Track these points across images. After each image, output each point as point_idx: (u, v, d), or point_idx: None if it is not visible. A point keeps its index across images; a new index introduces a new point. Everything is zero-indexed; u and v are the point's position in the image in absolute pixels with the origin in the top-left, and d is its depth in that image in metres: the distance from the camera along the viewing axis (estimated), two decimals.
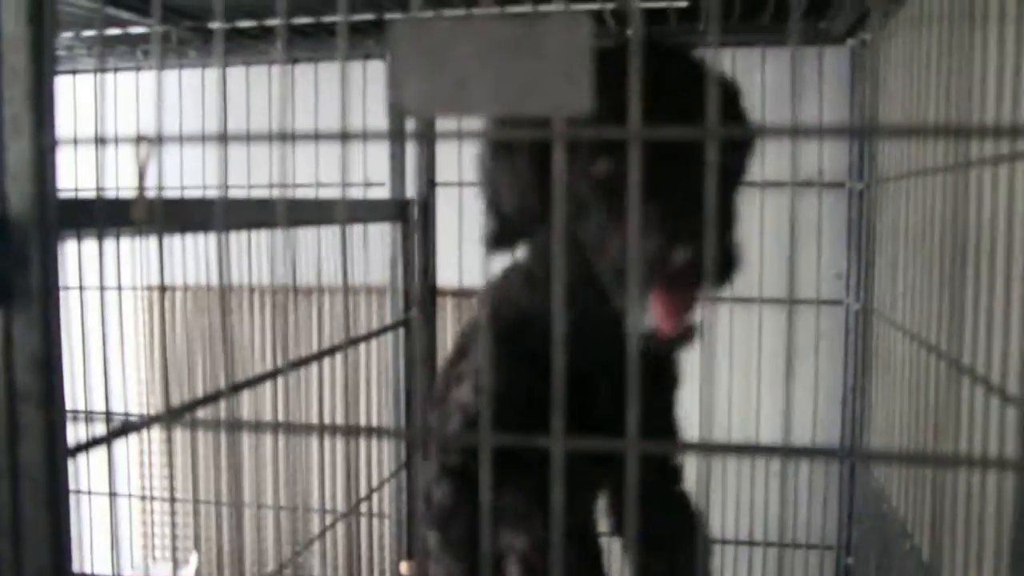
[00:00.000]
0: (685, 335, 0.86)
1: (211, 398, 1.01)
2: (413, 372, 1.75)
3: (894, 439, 1.49)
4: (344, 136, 0.60)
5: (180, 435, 2.28)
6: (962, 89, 1.03)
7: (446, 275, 1.93)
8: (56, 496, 0.68)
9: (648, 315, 0.85)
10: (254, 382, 1.15)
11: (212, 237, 1.34)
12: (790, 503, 2.00)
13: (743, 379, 1.93)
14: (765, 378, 1.94)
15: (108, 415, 0.70)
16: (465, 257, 1.94)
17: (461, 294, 2.09)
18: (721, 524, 2.02)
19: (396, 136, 1.70)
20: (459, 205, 1.91)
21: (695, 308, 0.85)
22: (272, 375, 1.18)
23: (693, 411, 1.94)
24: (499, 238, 1.03)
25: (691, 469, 1.22)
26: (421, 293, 1.79)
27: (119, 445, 0.80)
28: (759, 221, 1.88)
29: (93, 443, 0.77)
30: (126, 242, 1.39)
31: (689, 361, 1.82)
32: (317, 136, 0.62)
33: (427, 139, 1.73)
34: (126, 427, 0.79)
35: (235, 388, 1.06)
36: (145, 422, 0.79)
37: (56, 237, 0.68)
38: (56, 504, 0.69)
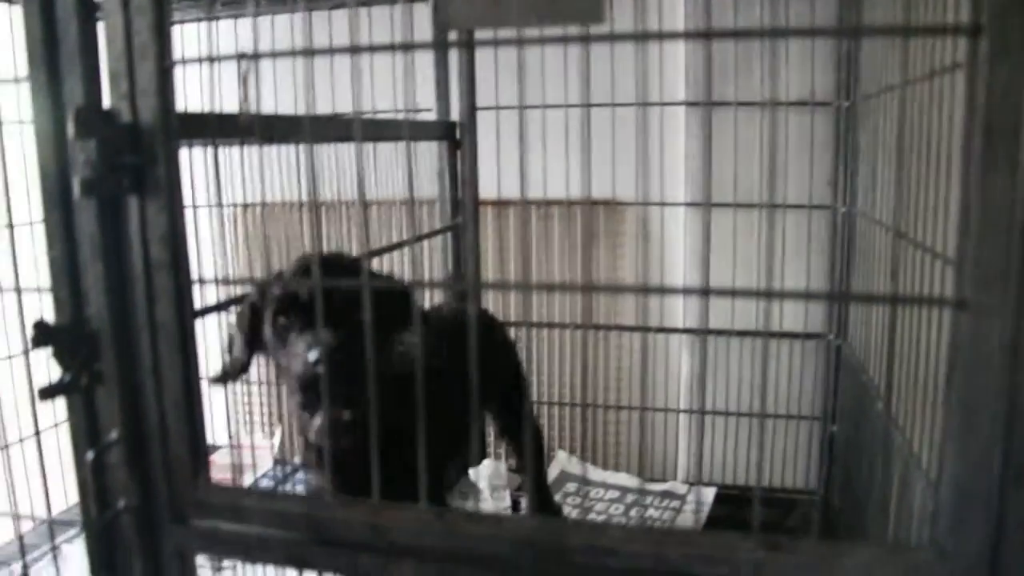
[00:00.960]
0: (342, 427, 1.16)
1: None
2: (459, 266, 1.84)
3: (871, 316, 1.55)
4: (406, 47, 0.67)
5: None
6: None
7: (486, 187, 2.00)
8: (185, 345, 0.77)
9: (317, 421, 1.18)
10: None
11: (289, 164, 1.41)
12: (784, 380, 2.07)
13: (744, 272, 1.99)
14: (764, 272, 1.99)
15: (223, 280, 0.77)
16: (503, 171, 2.00)
17: (499, 203, 2.16)
18: (725, 399, 2.10)
19: (441, 46, 1.74)
20: (496, 127, 1.97)
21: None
22: None
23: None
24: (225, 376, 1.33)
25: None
26: (465, 202, 1.86)
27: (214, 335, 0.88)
28: (758, 138, 1.93)
29: (212, 308, 0.85)
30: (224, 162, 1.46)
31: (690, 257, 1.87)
32: (369, 48, 0.69)
33: (466, 47, 1.76)
34: (263, 286, 0.87)
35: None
36: (263, 283, 0.87)
37: (177, 140, 0.75)
38: (186, 351, 0.77)
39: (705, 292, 0.66)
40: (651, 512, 2.01)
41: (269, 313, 1.21)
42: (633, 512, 2.01)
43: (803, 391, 2.07)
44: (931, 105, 1.06)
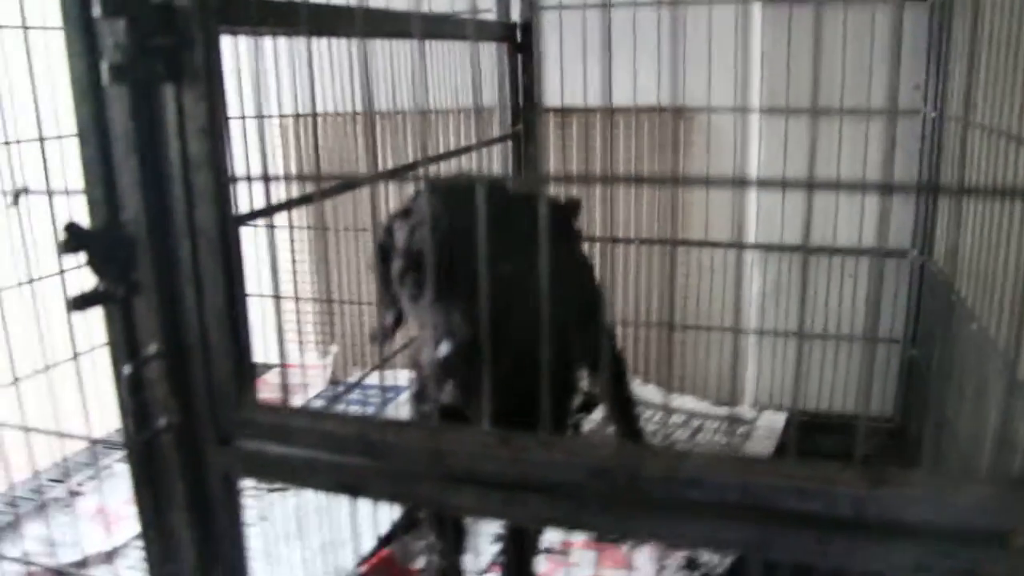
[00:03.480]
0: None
1: (363, 181, 1.04)
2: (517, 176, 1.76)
3: (965, 230, 1.45)
4: None
5: (323, 241, 2.35)
6: None
7: (547, 95, 1.90)
8: (228, 253, 0.71)
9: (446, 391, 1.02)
10: (399, 172, 1.18)
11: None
12: (861, 301, 1.98)
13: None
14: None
15: (266, 176, 0.71)
16: (566, 77, 1.90)
17: (562, 111, 2.06)
18: (800, 319, 2.02)
19: None
20: (560, 29, 1.86)
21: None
22: (412, 167, 1.22)
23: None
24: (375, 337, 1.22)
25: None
26: (526, 110, 1.77)
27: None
28: (842, 36, 1.81)
29: (258, 213, 0.80)
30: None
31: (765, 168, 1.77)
32: None
33: None
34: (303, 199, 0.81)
35: (377, 177, 1.07)
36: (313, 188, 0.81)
37: (216, 23, 0.68)
38: (228, 259, 0.71)
39: (810, 185, 0.58)
40: (717, 438, 1.95)
41: (395, 265, 1.09)
42: (699, 437, 1.95)
43: (881, 312, 1.98)
44: None
